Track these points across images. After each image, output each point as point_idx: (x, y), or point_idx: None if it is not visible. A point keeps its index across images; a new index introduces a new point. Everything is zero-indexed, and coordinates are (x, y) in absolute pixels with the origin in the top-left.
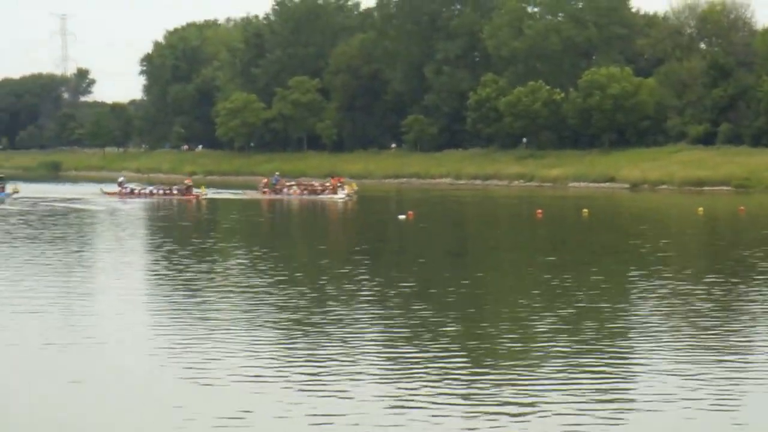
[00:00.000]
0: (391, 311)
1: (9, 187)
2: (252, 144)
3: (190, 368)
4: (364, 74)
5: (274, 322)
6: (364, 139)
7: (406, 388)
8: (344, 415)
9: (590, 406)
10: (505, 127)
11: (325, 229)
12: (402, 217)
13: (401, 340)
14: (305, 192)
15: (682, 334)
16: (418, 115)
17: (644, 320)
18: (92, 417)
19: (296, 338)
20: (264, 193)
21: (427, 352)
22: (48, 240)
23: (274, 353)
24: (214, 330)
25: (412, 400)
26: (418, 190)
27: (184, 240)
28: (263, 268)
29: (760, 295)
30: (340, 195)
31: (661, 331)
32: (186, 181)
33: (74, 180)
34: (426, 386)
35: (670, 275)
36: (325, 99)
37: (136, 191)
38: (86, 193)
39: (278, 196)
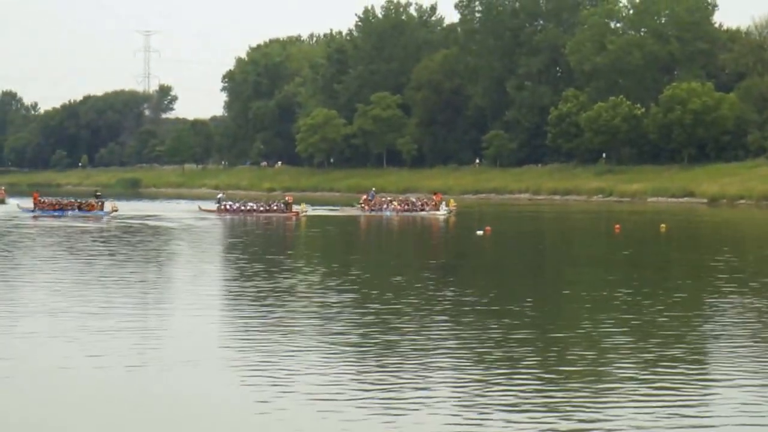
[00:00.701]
0: (466, 328)
1: (108, 205)
2: (332, 160)
3: (262, 390)
4: (445, 89)
5: (346, 341)
6: (444, 154)
7: (479, 411)
8: None
9: (665, 424)
10: (585, 142)
11: (404, 244)
12: (480, 232)
13: (474, 359)
14: (406, 208)
15: (760, 353)
16: (498, 130)
17: (720, 338)
18: None
19: (369, 357)
20: (363, 209)
21: (500, 371)
22: (150, 258)
23: (345, 373)
24: (285, 348)
25: (484, 424)
26: (497, 205)
27: (286, 257)
28: (342, 282)
29: None
30: (442, 211)
31: (737, 350)
32: (287, 198)
33: (154, 197)
34: (498, 409)
35: (747, 291)
36: (406, 115)
37: (235, 208)
38: (183, 210)
39: (378, 213)
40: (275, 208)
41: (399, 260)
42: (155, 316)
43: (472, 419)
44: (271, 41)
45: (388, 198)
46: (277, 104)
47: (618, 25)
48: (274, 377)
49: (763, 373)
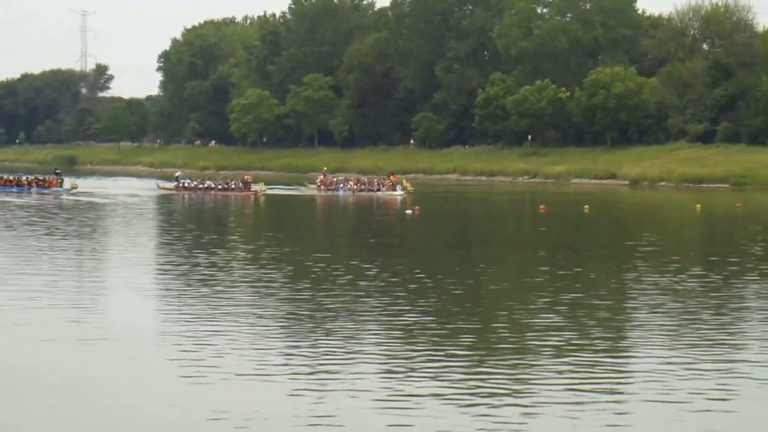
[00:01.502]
0: (392, 305)
1: (68, 183)
2: (264, 139)
3: (192, 362)
4: (376, 72)
5: (276, 317)
6: (374, 135)
7: (407, 383)
8: (343, 409)
9: (588, 399)
10: (511, 124)
11: (330, 223)
12: (408, 212)
13: (401, 334)
14: (361, 188)
15: (678, 328)
16: (427, 112)
17: (640, 314)
18: (92, 409)
19: (297, 332)
20: (319, 188)
21: (426, 345)
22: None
23: (272, 348)
24: (218, 323)
25: (413, 395)
26: (425, 185)
27: (251, 234)
28: (270, 259)
29: (755, 289)
30: (399, 192)
31: (656, 325)
32: (246, 177)
33: (90, 173)
34: (425, 379)
35: (666, 270)
36: (338, 96)
37: (193, 186)
38: (143, 188)
39: (334, 193)
40: (234, 186)
41: (331, 239)
42: (85, 291)
43: (400, 393)
44: (205, 22)
45: (342, 177)
46: (211, 84)
47: (544, 10)
48: (201, 352)
49: (679, 348)
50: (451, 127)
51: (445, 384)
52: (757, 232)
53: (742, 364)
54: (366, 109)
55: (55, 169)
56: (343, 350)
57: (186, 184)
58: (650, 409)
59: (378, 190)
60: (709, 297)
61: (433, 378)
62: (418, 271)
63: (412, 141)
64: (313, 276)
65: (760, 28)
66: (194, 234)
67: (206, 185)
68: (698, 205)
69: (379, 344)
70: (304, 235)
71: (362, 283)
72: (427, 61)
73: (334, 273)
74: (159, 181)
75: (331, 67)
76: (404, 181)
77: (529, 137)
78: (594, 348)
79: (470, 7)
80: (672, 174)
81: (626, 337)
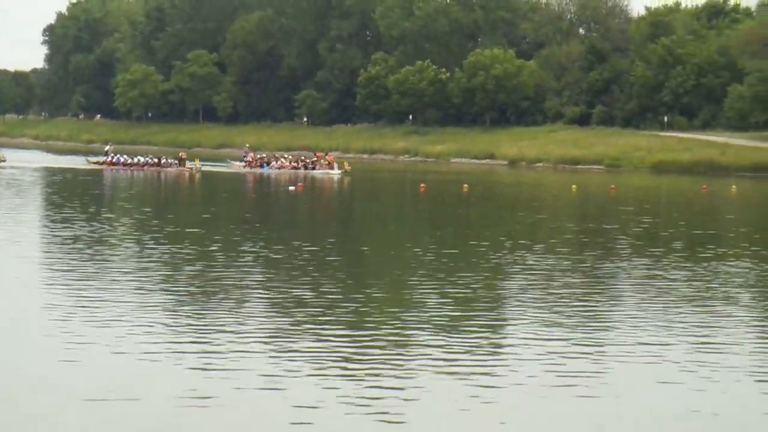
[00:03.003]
0: (273, 282)
1: None
2: (149, 114)
3: (65, 341)
4: (260, 50)
5: (157, 291)
6: (258, 112)
7: (288, 360)
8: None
9: (463, 372)
10: (393, 104)
11: (213, 199)
12: (292, 188)
13: (281, 311)
14: (294, 166)
15: (545, 303)
16: (310, 90)
17: (510, 290)
18: None
19: (179, 308)
20: (250, 165)
21: (306, 323)
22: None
23: (156, 323)
24: (93, 297)
25: (291, 371)
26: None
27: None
28: (154, 234)
29: (620, 266)
30: (336, 171)
31: (530, 299)
32: (180, 154)
33: None
34: (305, 359)
35: (539, 249)
36: (222, 73)
37: (124, 161)
38: (72, 163)
39: (265, 170)
40: (168, 162)
41: (217, 216)
42: None
43: (284, 370)
44: None
45: (273, 155)
46: (96, 59)
47: None
48: (80, 330)
49: (546, 319)
50: (335, 105)
51: (323, 359)
52: (628, 212)
53: (611, 347)
54: (250, 86)
55: None
56: (224, 328)
57: (116, 160)
58: (524, 383)
59: (313, 168)
60: (581, 274)
61: (312, 354)
62: (297, 246)
63: (306, 118)
64: (189, 252)
65: (634, 14)
66: (84, 208)
67: (137, 161)
68: (574, 186)
69: (260, 321)
70: (199, 212)
71: (240, 260)
72: (310, 40)
73: (211, 248)
74: (89, 156)
75: (216, 44)
76: (345, 162)
77: (411, 117)
78: (468, 325)
79: None
80: (549, 155)
81: (499, 315)
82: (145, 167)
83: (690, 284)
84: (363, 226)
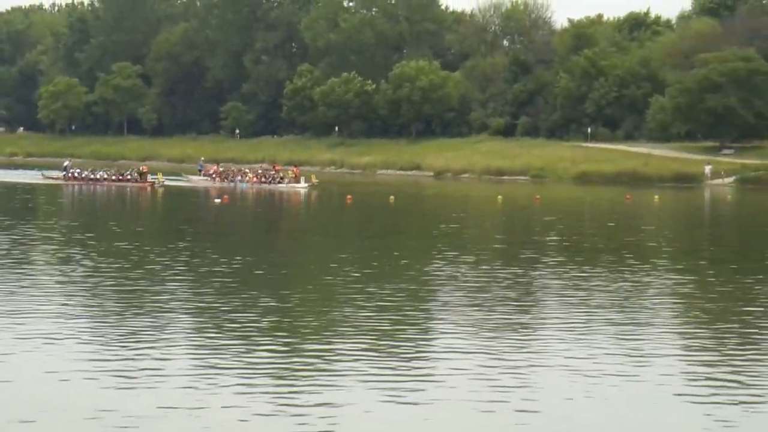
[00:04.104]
0: (200, 294)
1: None
2: (73, 127)
3: None
4: (185, 61)
5: (83, 305)
6: (184, 124)
7: (215, 374)
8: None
9: (392, 385)
10: (319, 116)
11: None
12: (218, 200)
13: (205, 326)
14: (262, 181)
15: (470, 314)
16: (236, 102)
17: (436, 302)
18: None
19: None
20: (214, 180)
21: (234, 333)
22: None
23: (72, 338)
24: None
25: (219, 390)
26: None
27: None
28: (84, 248)
29: (545, 276)
30: (303, 185)
31: (451, 311)
32: (141, 168)
33: None
34: (230, 374)
35: (465, 258)
36: (147, 85)
37: (83, 176)
38: (28, 178)
39: (230, 185)
40: (128, 177)
41: (135, 227)
42: None
43: (208, 384)
44: (13, 9)
45: (240, 168)
46: (19, 71)
47: (351, 4)
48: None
49: (475, 325)
50: (260, 117)
51: (252, 373)
52: (553, 222)
53: (536, 358)
54: (175, 98)
55: None
56: (148, 344)
57: (75, 174)
58: (450, 399)
59: (280, 182)
60: (507, 285)
61: (240, 370)
62: (224, 259)
63: (237, 131)
64: (122, 264)
65: (557, 26)
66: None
67: (98, 176)
68: (500, 197)
69: (185, 335)
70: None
71: (170, 271)
72: (235, 52)
73: (142, 260)
74: (45, 171)
75: (140, 56)
76: (312, 176)
77: (337, 128)
78: (396, 338)
79: None
80: (475, 166)
81: (425, 327)
82: (106, 182)
83: (614, 294)
84: (289, 238)
